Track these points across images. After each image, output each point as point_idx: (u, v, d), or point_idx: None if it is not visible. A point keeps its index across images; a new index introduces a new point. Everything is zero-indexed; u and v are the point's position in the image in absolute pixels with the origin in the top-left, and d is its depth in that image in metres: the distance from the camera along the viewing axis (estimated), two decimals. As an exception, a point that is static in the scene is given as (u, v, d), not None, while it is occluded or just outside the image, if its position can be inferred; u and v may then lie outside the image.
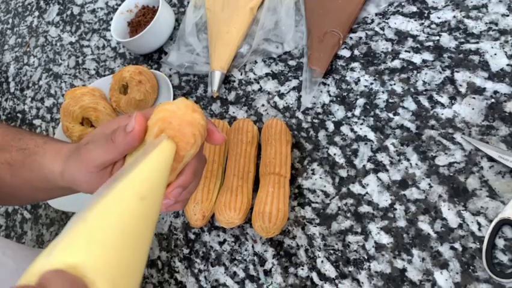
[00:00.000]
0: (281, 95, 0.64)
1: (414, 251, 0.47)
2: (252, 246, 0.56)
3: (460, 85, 0.52)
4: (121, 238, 0.27)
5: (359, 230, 0.51)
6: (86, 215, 0.27)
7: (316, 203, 0.54)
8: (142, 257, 0.29)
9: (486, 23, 0.54)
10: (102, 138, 0.38)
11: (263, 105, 0.65)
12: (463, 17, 0.56)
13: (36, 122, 0.95)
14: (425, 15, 0.58)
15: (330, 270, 0.50)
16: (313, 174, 0.56)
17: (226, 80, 0.71)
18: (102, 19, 0.99)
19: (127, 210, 0.28)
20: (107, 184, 0.30)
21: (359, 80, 0.59)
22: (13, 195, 0.48)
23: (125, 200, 0.28)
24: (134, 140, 0.35)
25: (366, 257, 0.49)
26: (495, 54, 0.52)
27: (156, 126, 0.34)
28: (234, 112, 0.68)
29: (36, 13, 1.16)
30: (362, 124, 0.56)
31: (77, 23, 1.04)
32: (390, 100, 0.56)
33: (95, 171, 0.38)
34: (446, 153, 0.49)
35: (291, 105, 0.63)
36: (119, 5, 0.92)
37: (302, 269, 0.52)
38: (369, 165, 0.53)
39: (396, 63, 0.57)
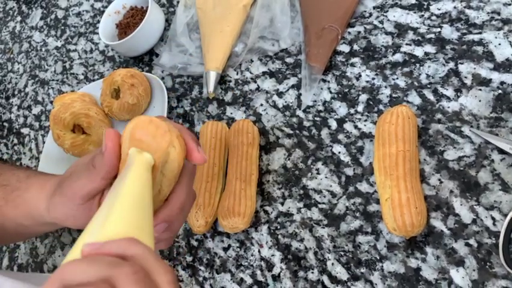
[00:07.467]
0: (280, 94, 0.63)
1: (428, 249, 0.45)
2: (259, 251, 0.55)
3: (465, 77, 0.51)
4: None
5: (369, 229, 0.49)
6: None
7: (323, 203, 0.53)
8: None
9: (488, 13, 0.53)
10: (83, 167, 0.36)
11: (262, 104, 0.63)
12: (464, 7, 0.55)
13: (24, 130, 0.91)
14: (425, 6, 0.57)
15: (341, 273, 0.49)
16: (318, 174, 0.55)
17: (222, 80, 0.69)
18: (88, 22, 0.96)
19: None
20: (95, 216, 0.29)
21: (360, 76, 0.58)
22: None
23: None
24: (110, 158, 0.33)
25: (378, 257, 0.48)
26: (499, 44, 0.51)
27: (126, 142, 0.33)
28: (231, 113, 0.66)
29: (19, 18, 1.13)
30: (366, 120, 0.55)
31: (62, 27, 1.00)
32: (393, 95, 0.54)
33: (81, 203, 0.36)
34: (454, 147, 0.48)
35: (290, 104, 0.61)
36: (106, 7, 0.90)
37: (312, 272, 0.50)
38: (375, 163, 0.52)
39: (398, 57, 0.56)
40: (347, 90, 0.58)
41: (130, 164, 0.32)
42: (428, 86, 0.53)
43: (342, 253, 0.50)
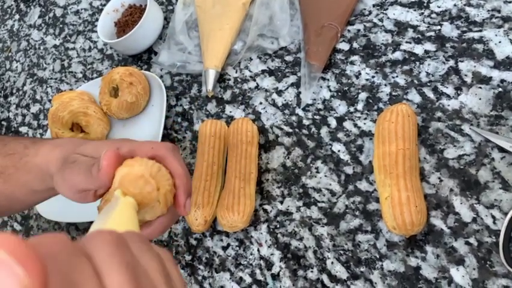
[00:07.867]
0: (279, 92, 0.63)
1: (428, 248, 0.45)
2: (258, 250, 0.54)
3: (465, 75, 0.51)
4: None
5: (369, 228, 0.49)
6: None
7: (323, 202, 0.53)
8: None
9: (488, 11, 0.52)
10: (85, 165, 0.37)
11: (261, 103, 0.63)
12: (464, 5, 0.54)
13: (23, 129, 0.91)
14: (425, 4, 0.57)
15: (341, 272, 0.49)
16: (317, 172, 0.55)
17: (221, 78, 0.69)
18: (87, 20, 0.96)
19: None
20: None
21: (359, 74, 0.57)
22: (7, 203, 0.47)
23: None
24: (104, 177, 0.35)
25: (378, 256, 0.47)
26: (499, 42, 0.50)
27: (116, 182, 0.34)
28: (230, 111, 0.65)
29: (17, 16, 1.12)
30: (365, 119, 0.54)
31: (61, 25, 1.00)
32: (393, 93, 0.54)
33: (77, 193, 0.38)
34: (455, 146, 0.48)
35: (290, 102, 0.61)
36: (104, 5, 0.89)
37: (312, 271, 0.50)
38: (375, 161, 0.51)
39: (398, 55, 0.56)
40: (346, 88, 0.57)
41: (115, 201, 0.33)
42: (428, 84, 0.52)
43: (341, 252, 0.49)
